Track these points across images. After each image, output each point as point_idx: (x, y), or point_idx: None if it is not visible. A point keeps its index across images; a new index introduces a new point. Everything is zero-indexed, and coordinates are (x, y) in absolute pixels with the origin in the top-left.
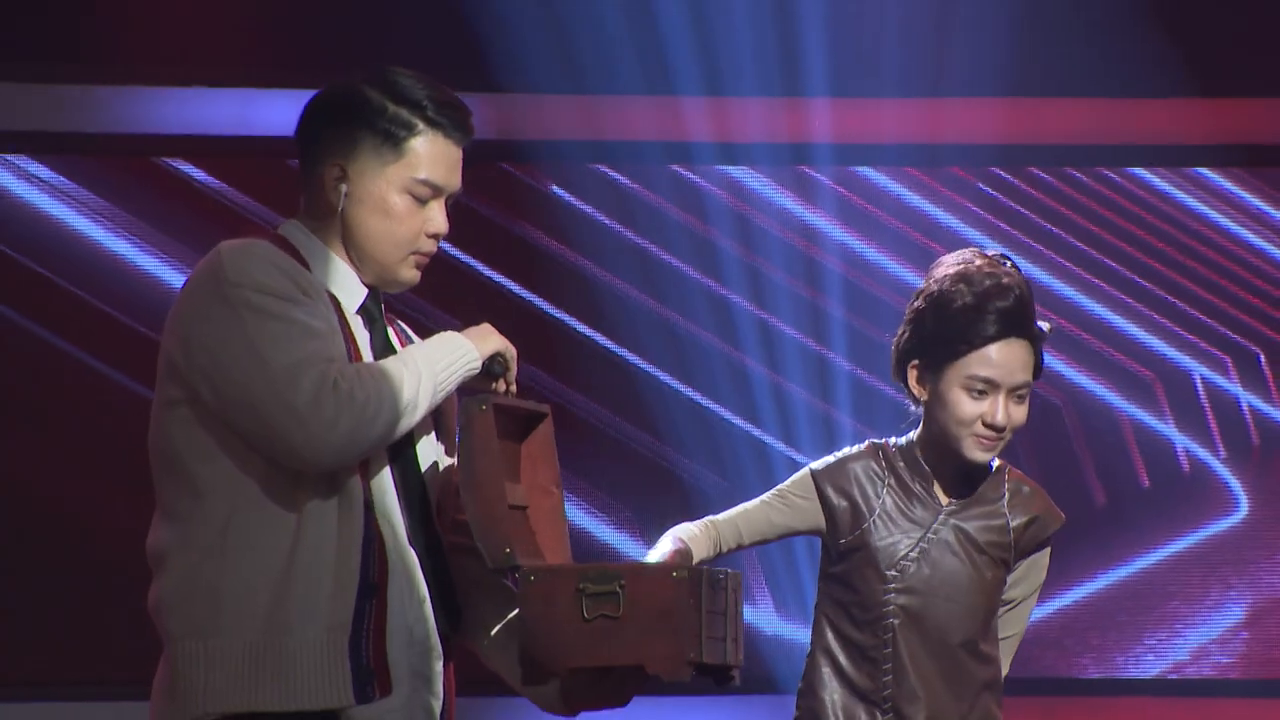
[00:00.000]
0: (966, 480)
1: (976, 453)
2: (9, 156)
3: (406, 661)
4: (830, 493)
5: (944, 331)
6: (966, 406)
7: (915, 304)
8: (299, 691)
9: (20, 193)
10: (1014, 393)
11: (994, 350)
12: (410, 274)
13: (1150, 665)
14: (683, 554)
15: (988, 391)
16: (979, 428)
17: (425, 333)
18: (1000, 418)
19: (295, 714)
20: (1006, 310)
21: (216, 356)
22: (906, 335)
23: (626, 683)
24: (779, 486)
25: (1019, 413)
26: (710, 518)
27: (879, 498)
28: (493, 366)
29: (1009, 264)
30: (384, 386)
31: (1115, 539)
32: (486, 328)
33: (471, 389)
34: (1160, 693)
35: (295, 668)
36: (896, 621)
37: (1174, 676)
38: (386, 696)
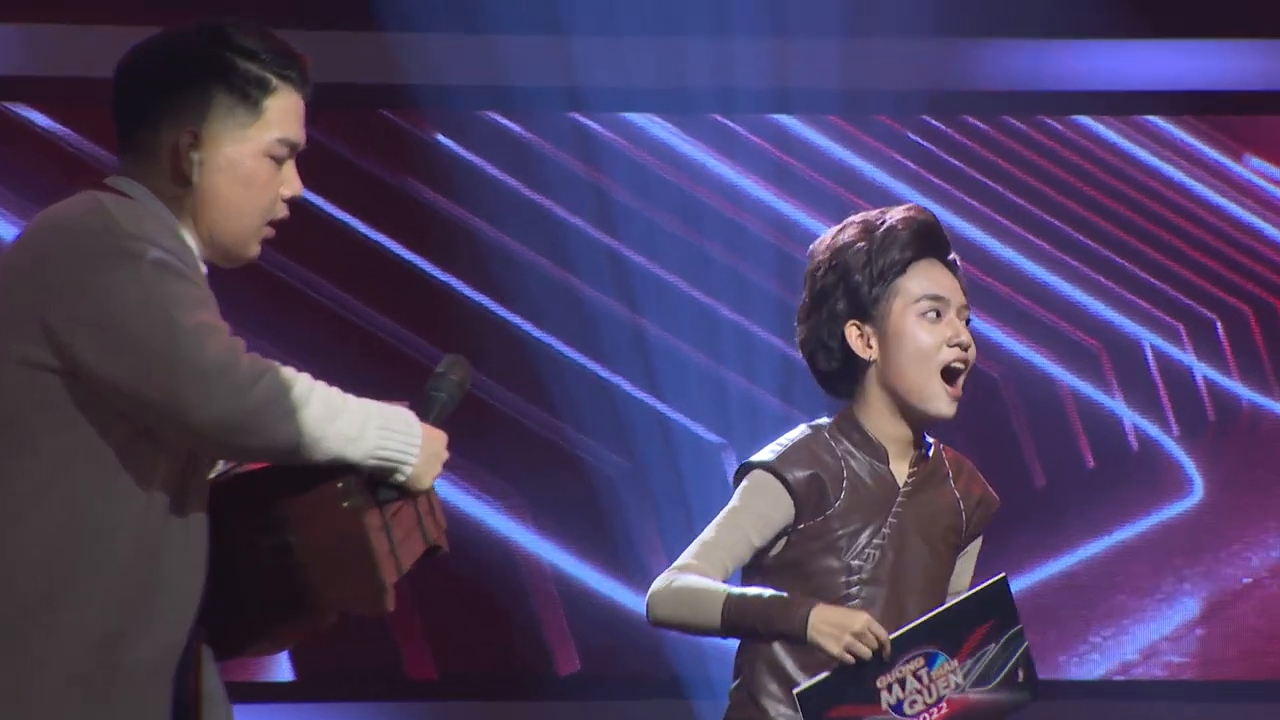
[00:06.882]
0: (916, 456)
1: (943, 401)
2: None
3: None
4: (792, 478)
5: (872, 267)
6: (924, 336)
7: (819, 277)
8: None
9: None
10: (961, 314)
11: (924, 266)
12: (257, 249)
13: (1095, 665)
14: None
15: (941, 311)
16: (946, 353)
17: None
18: (965, 336)
19: None
20: (922, 229)
21: (107, 307)
22: (832, 301)
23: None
24: (731, 505)
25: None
26: (686, 561)
27: (844, 478)
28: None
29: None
30: (321, 398)
31: (1057, 525)
32: (441, 455)
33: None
34: (1107, 696)
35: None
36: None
37: (1120, 678)
38: None
